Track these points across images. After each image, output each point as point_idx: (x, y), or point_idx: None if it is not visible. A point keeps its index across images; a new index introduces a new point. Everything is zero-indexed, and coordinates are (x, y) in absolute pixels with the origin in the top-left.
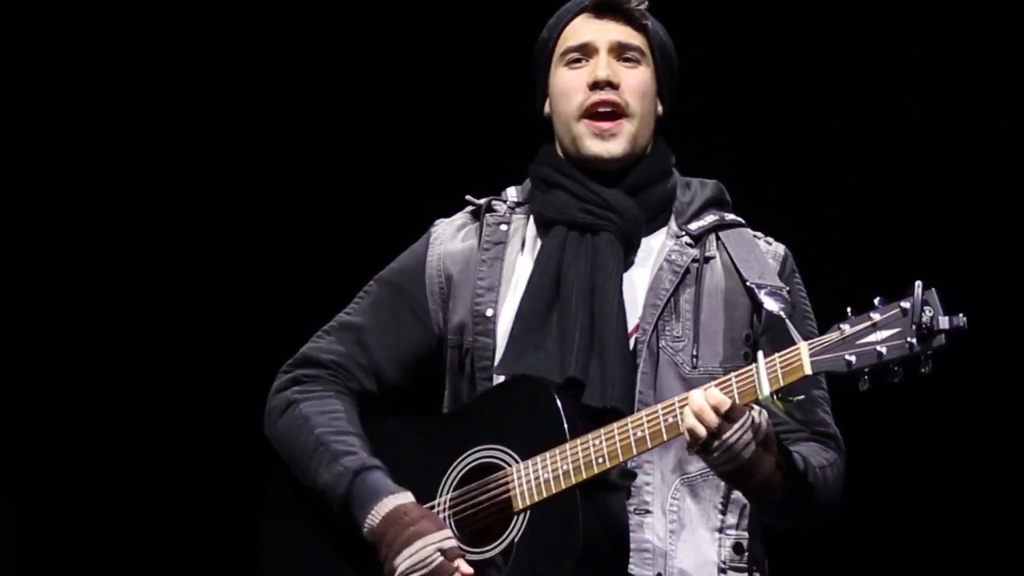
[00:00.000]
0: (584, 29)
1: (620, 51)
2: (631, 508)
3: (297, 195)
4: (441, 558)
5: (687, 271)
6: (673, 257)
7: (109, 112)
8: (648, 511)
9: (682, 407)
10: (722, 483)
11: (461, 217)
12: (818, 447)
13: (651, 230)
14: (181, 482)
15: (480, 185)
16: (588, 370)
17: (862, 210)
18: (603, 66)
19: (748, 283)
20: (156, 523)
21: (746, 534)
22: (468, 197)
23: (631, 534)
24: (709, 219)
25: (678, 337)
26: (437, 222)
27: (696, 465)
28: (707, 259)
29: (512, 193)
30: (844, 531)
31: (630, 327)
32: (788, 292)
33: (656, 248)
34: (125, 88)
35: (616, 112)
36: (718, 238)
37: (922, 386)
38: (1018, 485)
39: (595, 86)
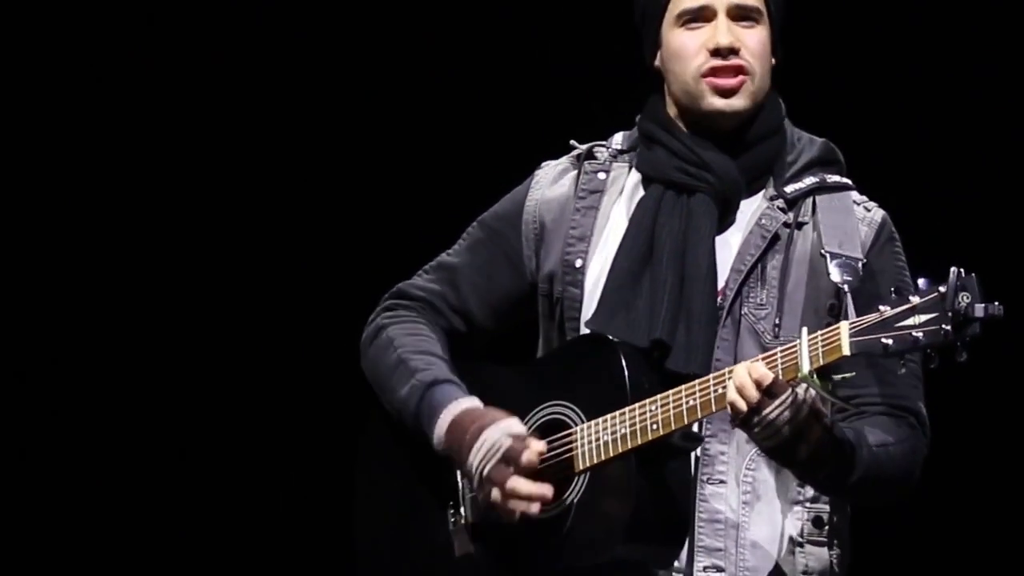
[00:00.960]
0: None
1: (738, 13)
2: (704, 478)
3: (327, 189)
4: (509, 441)
5: (776, 236)
6: (764, 221)
7: (109, 112)
8: (722, 481)
9: (730, 378)
10: None
11: (565, 161)
12: (889, 422)
13: (752, 192)
14: (182, 483)
15: (587, 133)
16: (675, 333)
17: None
18: (724, 32)
19: (822, 251)
20: (157, 524)
21: (827, 507)
22: (572, 142)
23: (703, 503)
24: (808, 181)
25: (762, 304)
26: (543, 164)
27: None
28: (800, 224)
29: (618, 139)
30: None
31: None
32: (865, 263)
33: (751, 211)
34: (126, 88)
35: (739, 75)
36: (815, 203)
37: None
38: None
39: (716, 52)
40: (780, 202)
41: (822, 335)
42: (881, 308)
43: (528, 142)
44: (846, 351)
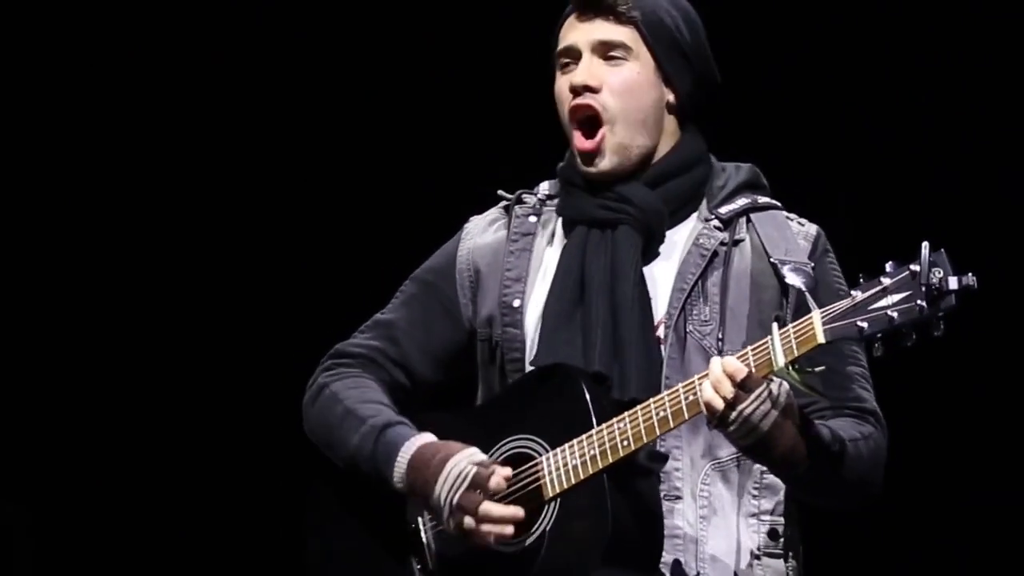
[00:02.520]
0: (570, 31)
1: (604, 50)
2: (661, 494)
3: (326, 200)
4: (475, 468)
5: (715, 254)
6: (701, 241)
7: (108, 112)
8: (678, 497)
9: (701, 382)
10: (756, 468)
11: (493, 212)
12: (853, 421)
13: (679, 220)
14: (185, 484)
15: (516, 185)
16: (611, 364)
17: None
18: (581, 70)
19: (772, 259)
20: (160, 524)
21: (782, 519)
22: (500, 192)
23: (665, 520)
24: (741, 202)
25: (705, 321)
26: (471, 219)
27: (727, 450)
28: (736, 242)
29: (545, 187)
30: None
31: (659, 316)
32: (814, 268)
33: (684, 236)
34: (126, 88)
35: (594, 119)
36: (749, 220)
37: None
38: None
39: (573, 91)
40: (716, 222)
41: (794, 327)
42: (852, 293)
43: (458, 202)
44: (821, 339)
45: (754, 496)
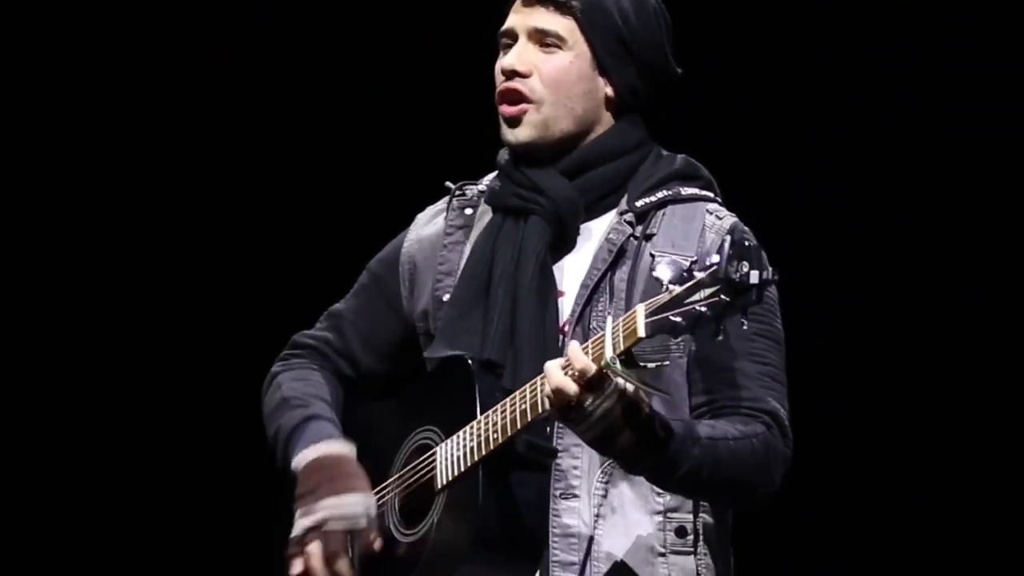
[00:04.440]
0: (512, 16)
1: (539, 37)
2: (557, 492)
3: (289, 190)
4: (366, 523)
5: (623, 249)
6: (612, 236)
7: (104, 111)
8: (575, 495)
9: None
10: None
11: (441, 203)
12: (741, 419)
13: (599, 212)
14: (179, 482)
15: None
16: (505, 354)
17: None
18: (512, 54)
19: (652, 251)
20: (155, 524)
21: (690, 516)
22: (447, 183)
23: (556, 519)
24: (660, 195)
25: (610, 316)
26: (426, 209)
27: None
28: (648, 236)
29: (489, 178)
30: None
31: (567, 310)
32: (692, 262)
33: (601, 230)
34: (114, 86)
35: (519, 99)
36: (665, 214)
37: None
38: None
39: (503, 74)
40: (629, 216)
41: (623, 320)
42: (671, 287)
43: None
44: (642, 333)
45: (658, 494)
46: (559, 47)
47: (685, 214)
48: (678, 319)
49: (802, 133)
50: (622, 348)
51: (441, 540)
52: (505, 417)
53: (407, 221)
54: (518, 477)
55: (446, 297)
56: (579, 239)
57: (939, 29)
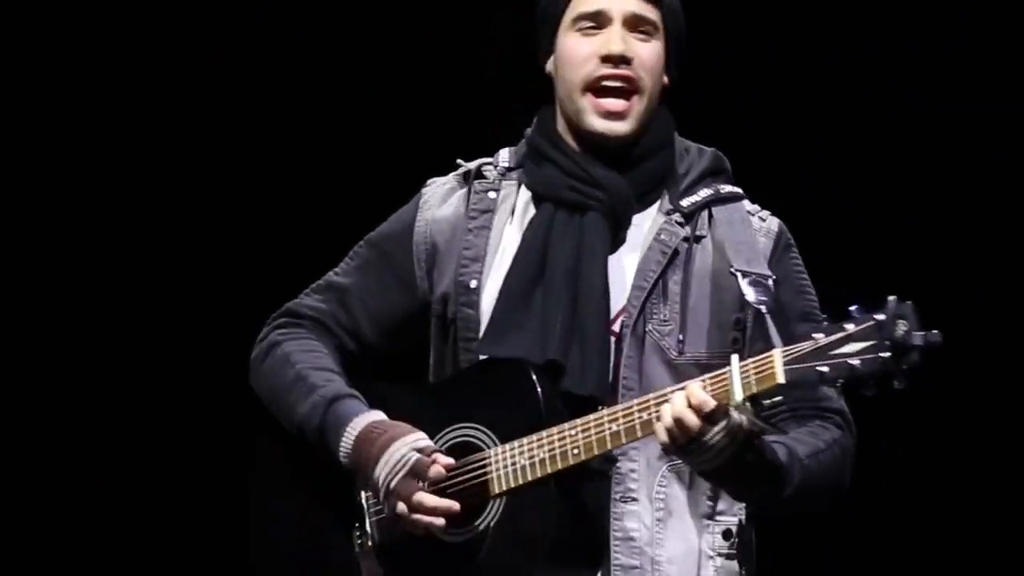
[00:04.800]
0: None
1: (635, 23)
2: (616, 496)
3: (278, 187)
4: (417, 455)
5: (676, 252)
6: (663, 236)
7: (101, 111)
8: (634, 499)
9: (658, 404)
10: None
11: (451, 180)
12: (817, 426)
13: (644, 206)
14: (174, 481)
15: (475, 143)
16: (568, 354)
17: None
18: (618, 39)
19: (732, 269)
20: (151, 523)
21: (735, 520)
22: (459, 161)
23: (616, 522)
24: (703, 194)
25: (664, 321)
26: (429, 182)
27: None
28: (698, 238)
29: (505, 156)
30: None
31: (616, 310)
32: (773, 281)
33: (647, 226)
34: (110, 86)
35: (627, 89)
36: (711, 215)
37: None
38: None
39: (607, 59)
40: (677, 216)
41: (753, 363)
42: (815, 336)
43: (416, 156)
44: (780, 379)
45: (708, 497)
46: (652, 35)
47: (731, 217)
48: (824, 369)
49: (806, 130)
50: (754, 391)
51: (500, 545)
52: (590, 436)
53: (384, 209)
54: (583, 486)
55: (472, 283)
56: (623, 234)
57: (945, 27)
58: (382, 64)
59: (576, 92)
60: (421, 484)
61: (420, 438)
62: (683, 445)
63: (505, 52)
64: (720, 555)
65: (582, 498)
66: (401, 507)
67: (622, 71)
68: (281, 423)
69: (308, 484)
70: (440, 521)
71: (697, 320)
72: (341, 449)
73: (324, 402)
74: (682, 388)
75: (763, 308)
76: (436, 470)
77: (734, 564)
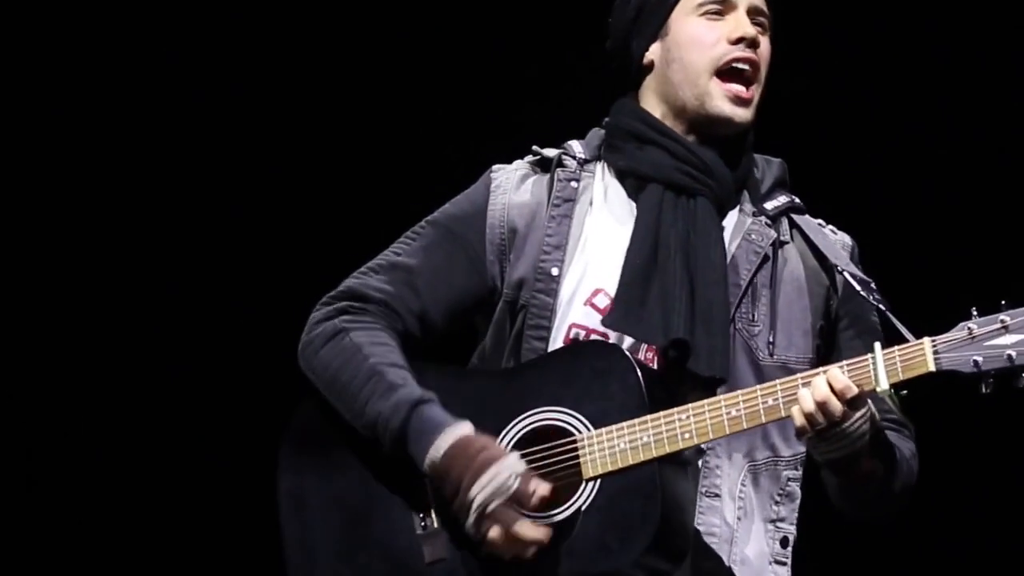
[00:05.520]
0: None
1: (755, 16)
2: (703, 490)
3: (288, 191)
4: (519, 481)
5: (766, 254)
6: (753, 237)
7: (100, 111)
8: (717, 495)
9: (786, 389)
10: (783, 474)
11: (523, 167)
12: (899, 436)
13: (731, 204)
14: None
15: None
16: (694, 334)
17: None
18: (748, 24)
19: (839, 268)
20: (151, 523)
21: (794, 528)
22: (535, 148)
23: (701, 515)
24: (782, 200)
25: (754, 322)
26: (495, 168)
27: (763, 453)
28: (782, 243)
29: (578, 148)
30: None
31: None
32: (874, 284)
33: (732, 224)
34: (113, 87)
35: (750, 77)
36: (791, 222)
37: None
38: None
39: (740, 42)
40: (764, 219)
41: (900, 351)
42: (969, 326)
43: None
44: (931, 367)
45: (776, 502)
46: (767, 30)
47: (810, 226)
48: (979, 358)
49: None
50: (901, 378)
51: (596, 527)
52: (704, 420)
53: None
54: (675, 473)
55: (555, 271)
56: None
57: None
58: (404, 61)
59: (704, 75)
60: (519, 513)
61: (519, 463)
62: (823, 430)
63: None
64: (777, 561)
65: (676, 488)
66: (496, 532)
67: (752, 55)
68: (341, 411)
69: (352, 461)
70: (533, 551)
71: (785, 324)
72: (428, 457)
73: (408, 405)
74: (822, 372)
75: (881, 305)
76: (536, 500)
77: (786, 571)
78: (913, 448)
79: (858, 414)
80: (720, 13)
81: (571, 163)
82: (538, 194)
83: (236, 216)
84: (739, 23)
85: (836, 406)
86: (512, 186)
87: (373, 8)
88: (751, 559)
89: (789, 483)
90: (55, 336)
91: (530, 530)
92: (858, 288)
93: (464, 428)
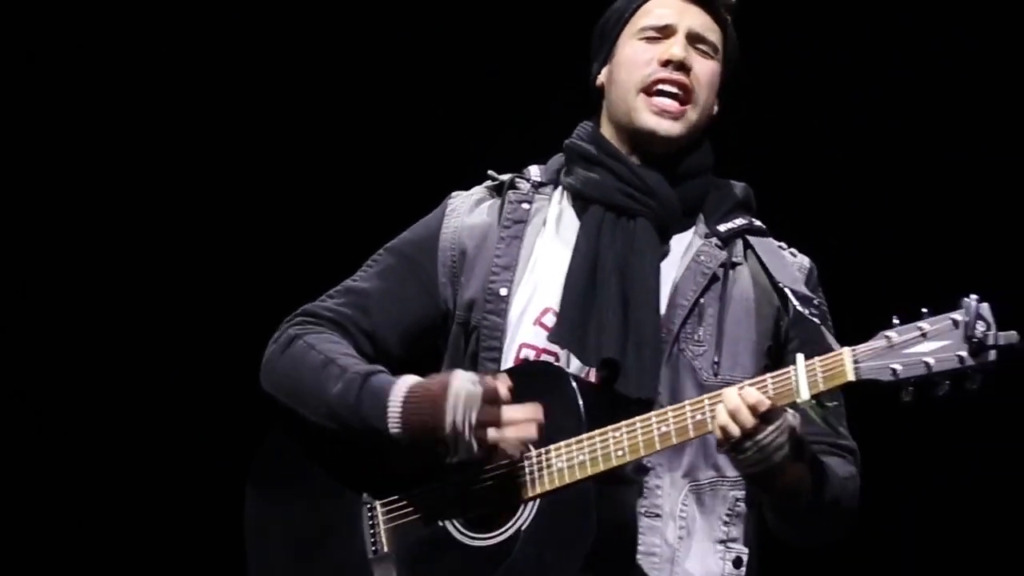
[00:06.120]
0: (667, 9)
1: (697, 40)
2: (642, 510)
3: (290, 190)
4: (480, 385)
5: (714, 276)
6: (702, 258)
7: (102, 111)
8: (658, 515)
9: (712, 404)
10: (729, 494)
11: (479, 191)
12: (838, 461)
13: (684, 227)
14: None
15: (489, 163)
16: (624, 354)
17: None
18: (680, 46)
19: (782, 286)
20: (151, 524)
21: (746, 548)
22: (490, 172)
23: (641, 536)
24: (738, 222)
25: (699, 342)
26: (454, 194)
27: (706, 473)
28: (734, 264)
29: (536, 172)
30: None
31: None
32: (819, 302)
33: (684, 245)
34: (115, 87)
35: (681, 96)
36: (746, 243)
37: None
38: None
39: (667, 64)
40: (716, 240)
41: (820, 362)
42: (887, 334)
43: (427, 170)
44: (851, 377)
45: (724, 522)
46: (712, 56)
47: (767, 248)
48: (897, 366)
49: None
50: (821, 389)
51: (535, 548)
52: (636, 437)
53: (404, 218)
54: (617, 493)
55: (503, 291)
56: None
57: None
58: (405, 75)
59: (632, 92)
60: (498, 406)
61: (466, 372)
62: (737, 443)
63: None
64: None
65: (615, 508)
66: (492, 433)
67: (679, 77)
68: (305, 412)
69: (308, 492)
70: (534, 430)
71: (731, 344)
72: (390, 417)
73: (358, 378)
74: (739, 387)
75: (817, 320)
76: (503, 388)
77: None
78: (853, 471)
79: (771, 427)
80: (658, 38)
81: (524, 186)
82: (490, 217)
83: (234, 217)
84: (671, 45)
85: (747, 418)
86: (466, 210)
87: (371, 13)
88: None
89: (738, 503)
90: (55, 336)
91: (519, 411)
92: (795, 303)
93: (408, 379)
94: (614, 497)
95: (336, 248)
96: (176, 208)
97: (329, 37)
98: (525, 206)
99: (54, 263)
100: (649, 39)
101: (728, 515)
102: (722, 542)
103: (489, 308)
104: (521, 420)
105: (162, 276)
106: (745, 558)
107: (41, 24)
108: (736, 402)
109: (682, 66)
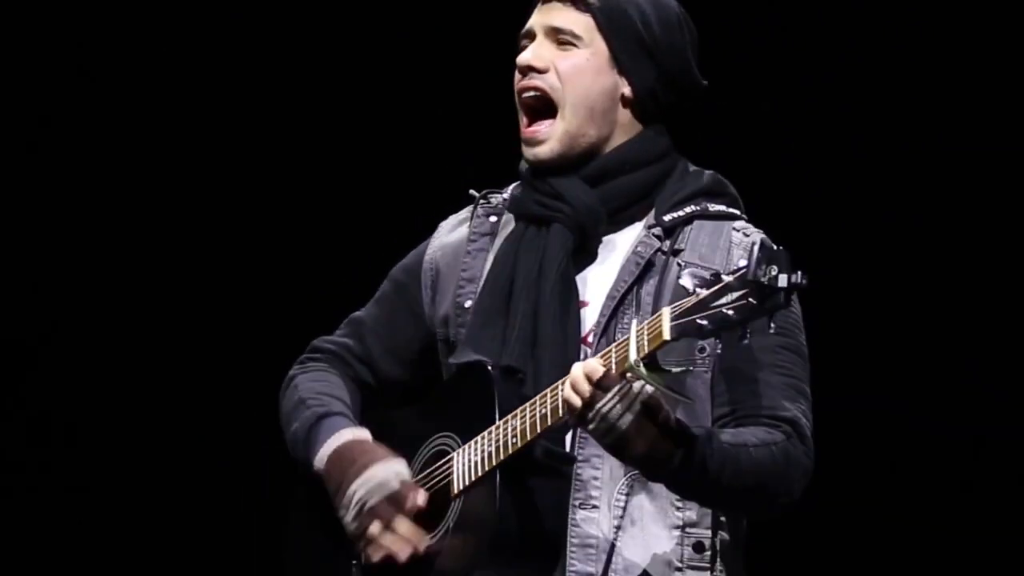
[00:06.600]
0: (532, 16)
1: (555, 35)
2: (576, 502)
3: (307, 199)
4: (399, 484)
5: (650, 263)
6: (639, 249)
7: (103, 111)
8: (595, 506)
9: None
10: None
11: (465, 211)
12: (760, 429)
13: (624, 223)
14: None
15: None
16: (526, 360)
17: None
18: (528, 51)
19: (679, 262)
20: (152, 524)
21: (708, 532)
22: (471, 191)
23: (575, 528)
24: (688, 210)
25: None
26: (449, 218)
27: None
28: (676, 251)
29: (512, 187)
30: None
31: (591, 321)
32: (713, 274)
33: (628, 242)
34: (120, 87)
35: (540, 109)
36: (692, 230)
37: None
38: None
39: (521, 71)
40: (657, 230)
41: (648, 323)
42: (698, 290)
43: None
44: (667, 335)
45: (677, 508)
46: (575, 44)
47: (712, 230)
48: (704, 322)
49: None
50: (646, 351)
51: (455, 545)
52: (524, 422)
53: (428, 230)
54: (536, 484)
55: (468, 303)
56: (604, 250)
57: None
58: (409, 78)
59: (520, 112)
60: (396, 511)
61: (401, 466)
62: (580, 414)
63: None
64: (691, 567)
65: (536, 499)
66: (376, 527)
67: (528, 82)
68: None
69: (330, 521)
70: (408, 551)
71: None
72: (317, 456)
73: (314, 417)
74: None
75: (691, 287)
76: (412, 504)
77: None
78: (778, 438)
79: (609, 395)
80: (527, 42)
81: (496, 199)
82: (463, 233)
83: (237, 219)
84: (524, 52)
85: (584, 387)
86: (447, 230)
87: (371, 13)
88: (636, 567)
89: None
90: (55, 336)
91: (407, 529)
92: (681, 277)
93: (352, 433)
94: (545, 489)
95: (336, 248)
96: (176, 209)
97: (328, 37)
98: (493, 219)
99: (55, 263)
100: (522, 49)
101: (680, 500)
102: (678, 527)
103: (459, 321)
104: (403, 536)
105: (162, 276)
106: (708, 542)
107: (41, 24)
108: (576, 373)
109: (531, 68)
